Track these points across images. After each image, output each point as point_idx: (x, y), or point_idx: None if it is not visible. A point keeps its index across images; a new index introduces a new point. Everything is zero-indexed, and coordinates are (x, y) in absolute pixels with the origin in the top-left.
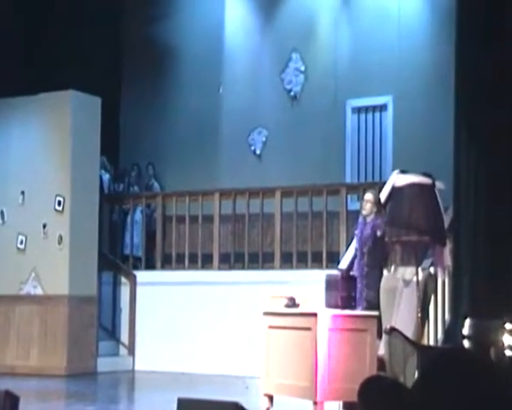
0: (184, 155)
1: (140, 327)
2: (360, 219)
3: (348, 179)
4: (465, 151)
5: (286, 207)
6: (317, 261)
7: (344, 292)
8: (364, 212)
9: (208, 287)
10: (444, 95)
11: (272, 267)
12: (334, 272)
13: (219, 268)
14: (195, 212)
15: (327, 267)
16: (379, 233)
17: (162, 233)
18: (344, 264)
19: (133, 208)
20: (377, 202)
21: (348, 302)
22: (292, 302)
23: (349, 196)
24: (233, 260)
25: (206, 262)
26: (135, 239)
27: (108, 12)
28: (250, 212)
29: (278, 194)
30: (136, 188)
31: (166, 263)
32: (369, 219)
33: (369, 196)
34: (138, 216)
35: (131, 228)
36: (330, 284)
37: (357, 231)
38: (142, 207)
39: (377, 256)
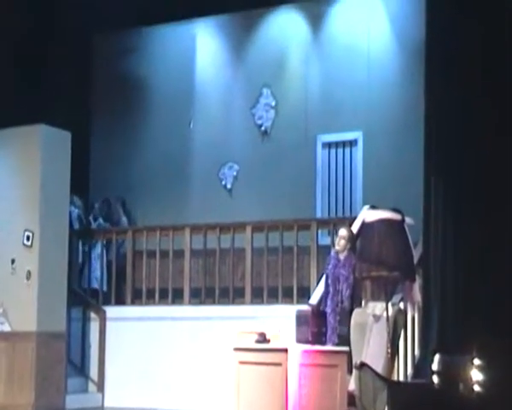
0: (155, 189)
1: (109, 363)
2: (332, 254)
3: (319, 214)
4: (434, 188)
5: (257, 242)
6: (287, 296)
7: (314, 328)
8: (338, 247)
9: (179, 322)
10: (413, 131)
11: (243, 302)
12: (305, 307)
13: (190, 303)
14: (166, 247)
15: (297, 303)
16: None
17: (132, 268)
18: (314, 299)
19: (101, 243)
20: (351, 238)
21: (318, 338)
22: (262, 338)
23: (320, 231)
24: (204, 295)
25: (177, 297)
26: (97, 273)
27: (78, 45)
28: (221, 247)
29: (249, 229)
30: (100, 221)
31: (136, 298)
32: (342, 256)
33: (343, 232)
34: (99, 251)
35: (97, 263)
36: (301, 319)
37: (329, 267)
38: (103, 241)
39: (352, 293)
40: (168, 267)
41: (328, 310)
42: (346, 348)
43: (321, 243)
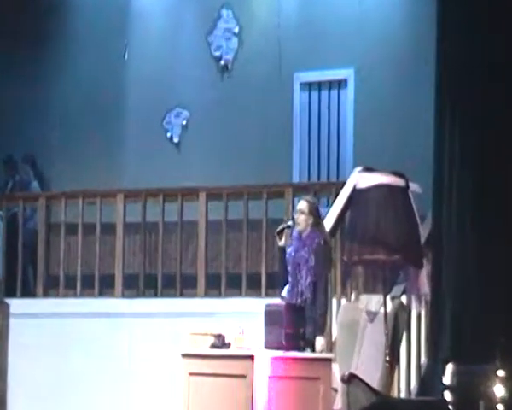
0: (77, 143)
1: (13, 374)
2: (294, 235)
3: (296, 178)
4: (449, 142)
5: (213, 215)
6: (253, 287)
7: (290, 328)
8: (298, 227)
9: (108, 320)
10: (421, 67)
11: (194, 294)
12: (277, 301)
13: (123, 295)
14: (92, 219)
15: (267, 295)
16: (316, 251)
17: (45, 248)
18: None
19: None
20: (313, 211)
21: (295, 342)
22: (220, 341)
23: (297, 200)
24: (142, 284)
25: (106, 287)
26: None
27: None
28: (165, 220)
29: (203, 196)
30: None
31: (51, 288)
32: (304, 235)
33: (302, 204)
34: None
35: None
36: (271, 316)
37: (289, 251)
38: (4, 211)
39: (318, 283)
40: (94, 247)
41: (286, 295)
42: (330, 355)
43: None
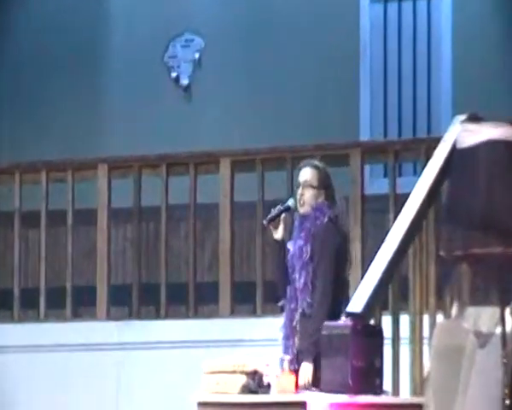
0: (40, 93)
1: None
2: (296, 221)
3: (365, 135)
4: None
5: (242, 193)
6: None
7: (359, 359)
8: (303, 209)
9: (88, 354)
10: None
11: (215, 313)
12: (339, 319)
13: (110, 317)
14: (61, 204)
15: None
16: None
17: None
18: (359, 303)
19: None
20: (325, 182)
21: (367, 380)
22: (256, 382)
23: (369, 168)
24: (137, 300)
25: (84, 306)
26: None
27: None
28: (170, 202)
29: (226, 165)
30: None
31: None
32: (306, 215)
33: (308, 173)
34: None
35: None
36: (331, 343)
37: (290, 244)
38: None
39: (317, 281)
40: (65, 246)
41: (284, 315)
42: (420, 400)
43: (370, 192)
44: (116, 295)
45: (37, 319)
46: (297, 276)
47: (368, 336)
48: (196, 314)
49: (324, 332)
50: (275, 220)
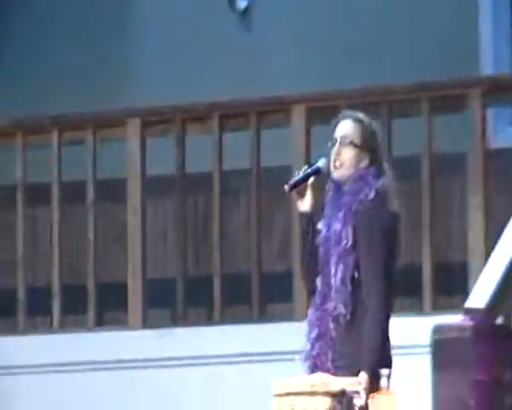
0: (48, 37)
1: None
2: (331, 191)
3: (488, 68)
4: None
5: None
6: (406, 294)
7: (485, 372)
8: (339, 173)
9: (118, 373)
10: None
11: (289, 315)
12: (455, 317)
13: (147, 325)
14: (77, 174)
15: (436, 309)
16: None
17: None
18: (482, 296)
19: None
20: (370, 140)
21: (497, 398)
22: (345, 404)
23: (492, 114)
24: (183, 300)
25: (112, 310)
26: None
27: None
28: (225, 167)
29: (300, 112)
30: None
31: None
32: (347, 188)
33: (346, 126)
34: None
35: None
36: (447, 351)
37: (321, 225)
38: None
39: (366, 276)
40: (85, 230)
41: (313, 319)
42: None
43: (495, 146)
44: (154, 294)
45: (49, 329)
46: (332, 269)
47: (495, 340)
48: (263, 317)
49: (438, 337)
50: (300, 186)
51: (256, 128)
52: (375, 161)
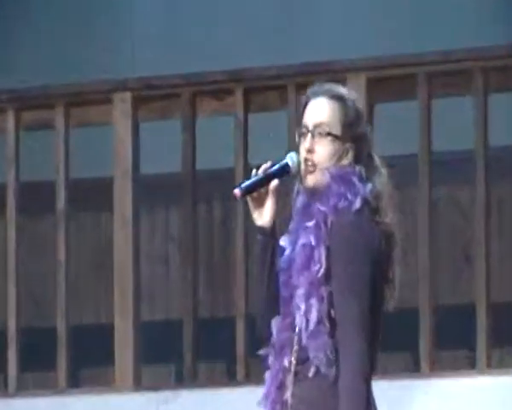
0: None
1: None
2: (300, 197)
3: None
4: None
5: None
6: None
7: None
8: (309, 180)
9: None
10: None
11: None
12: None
13: (138, 385)
14: (39, 172)
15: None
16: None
17: None
18: None
19: None
20: (352, 128)
21: None
22: None
23: None
24: (190, 349)
25: (93, 363)
26: None
27: None
28: (250, 160)
29: (358, 83)
30: None
31: None
32: (323, 193)
33: (319, 108)
34: None
35: None
36: None
37: (285, 239)
38: None
39: (352, 328)
40: (49, 250)
41: (268, 376)
42: None
43: None
44: (151, 342)
45: (1, 392)
46: (302, 306)
47: None
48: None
49: None
50: (257, 191)
51: (295, 106)
52: (361, 154)
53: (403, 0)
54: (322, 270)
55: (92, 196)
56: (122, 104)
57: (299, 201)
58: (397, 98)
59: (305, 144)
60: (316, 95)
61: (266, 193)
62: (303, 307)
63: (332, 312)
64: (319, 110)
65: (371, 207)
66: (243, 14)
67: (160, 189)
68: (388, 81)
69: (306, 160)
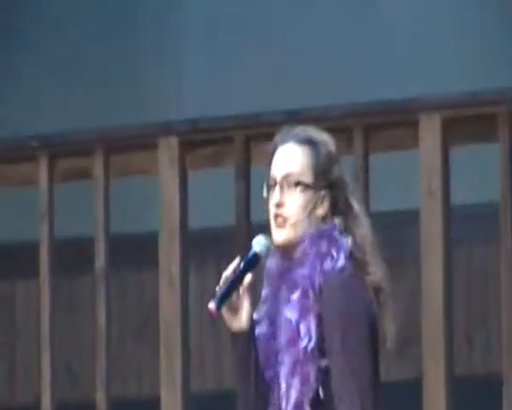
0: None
1: None
2: (273, 261)
3: None
4: None
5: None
6: None
7: None
8: (279, 236)
9: None
10: None
11: None
12: None
13: None
14: (80, 227)
15: None
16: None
17: None
18: None
19: None
20: (326, 174)
21: None
22: None
23: None
24: None
25: None
26: None
27: None
28: (253, 217)
29: (433, 124)
30: None
31: None
32: (300, 254)
33: (289, 156)
34: None
35: None
36: None
37: (258, 316)
38: None
39: (358, 401)
40: (88, 317)
41: None
42: None
43: None
44: None
45: None
46: (283, 386)
47: None
48: None
49: None
50: (231, 295)
51: (363, 150)
52: (338, 202)
53: (481, 34)
54: (311, 344)
55: (135, 252)
56: (167, 150)
57: (272, 262)
58: (473, 139)
59: (273, 197)
60: (283, 141)
61: (240, 296)
62: (283, 386)
63: (320, 391)
64: (287, 158)
65: (355, 262)
66: (305, 48)
67: (210, 243)
68: (467, 120)
69: (276, 215)
